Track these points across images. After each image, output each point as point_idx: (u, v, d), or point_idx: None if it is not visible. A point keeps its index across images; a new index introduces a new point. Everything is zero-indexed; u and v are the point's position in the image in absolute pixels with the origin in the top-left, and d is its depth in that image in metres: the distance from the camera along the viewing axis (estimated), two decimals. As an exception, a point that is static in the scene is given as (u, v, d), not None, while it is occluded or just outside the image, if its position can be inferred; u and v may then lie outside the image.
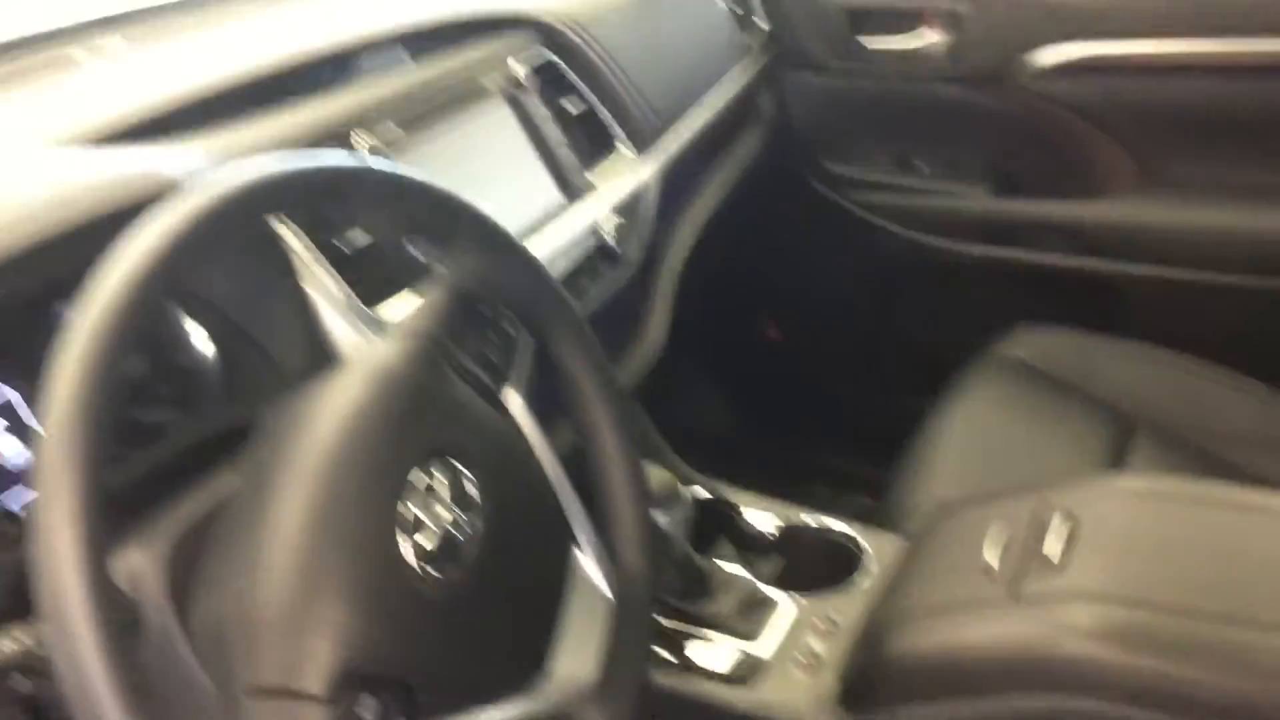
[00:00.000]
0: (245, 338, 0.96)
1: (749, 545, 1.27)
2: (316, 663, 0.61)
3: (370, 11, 1.29)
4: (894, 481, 1.43)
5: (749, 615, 1.13)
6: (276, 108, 1.07)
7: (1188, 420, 1.48)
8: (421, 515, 0.67)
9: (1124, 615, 0.89)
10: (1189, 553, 0.94)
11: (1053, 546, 0.96)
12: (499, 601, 0.71)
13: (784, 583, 1.19)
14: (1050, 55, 1.63)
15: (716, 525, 1.28)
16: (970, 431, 1.47)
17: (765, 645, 1.09)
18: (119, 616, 0.55)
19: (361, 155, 0.71)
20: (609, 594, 0.80)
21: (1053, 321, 1.64)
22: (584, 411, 0.82)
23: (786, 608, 1.14)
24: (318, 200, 0.71)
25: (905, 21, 1.72)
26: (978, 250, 1.82)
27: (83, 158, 0.87)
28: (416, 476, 0.68)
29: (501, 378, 0.77)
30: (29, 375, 0.83)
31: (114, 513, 0.65)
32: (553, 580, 0.78)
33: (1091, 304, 1.75)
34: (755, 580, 1.17)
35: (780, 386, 2.12)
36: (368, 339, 0.96)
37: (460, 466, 0.70)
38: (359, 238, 1.01)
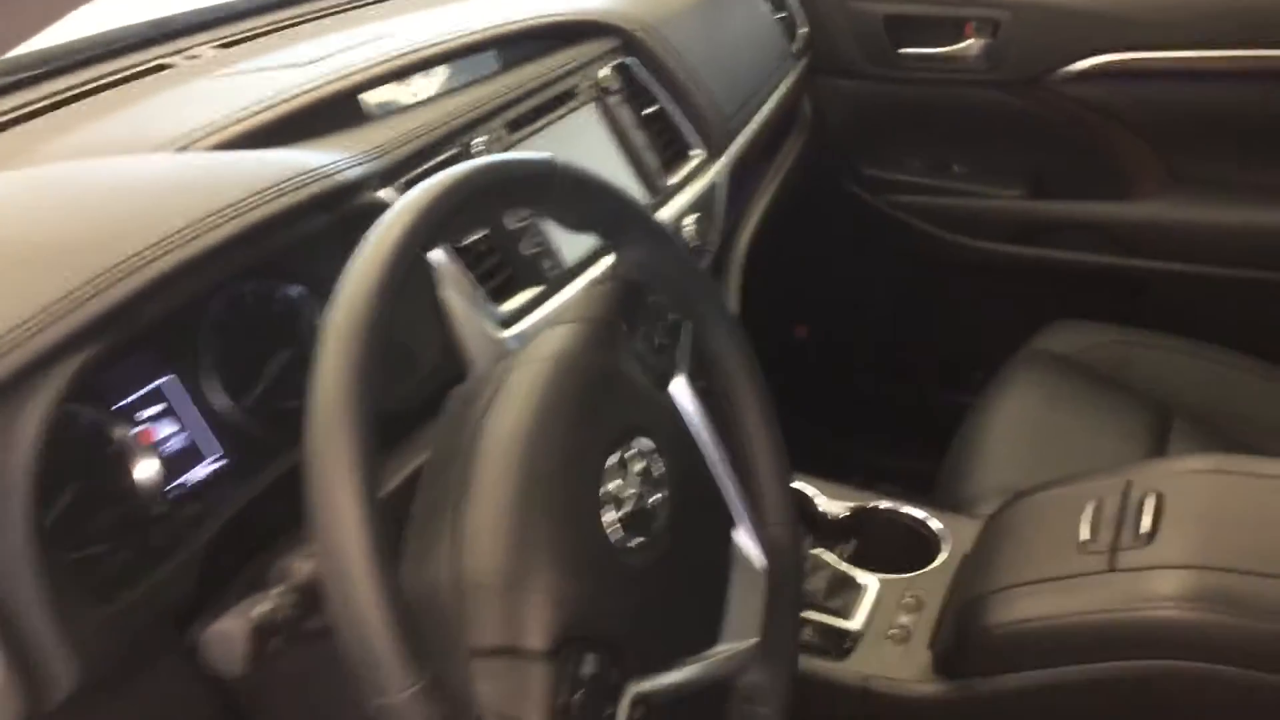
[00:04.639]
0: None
1: (823, 530, 1.32)
2: (539, 623, 0.66)
3: (454, 19, 1.34)
4: (947, 470, 1.50)
5: (837, 594, 1.18)
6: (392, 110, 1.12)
7: (1222, 408, 1.55)
8: (619, 489, 0.72)
9: (1210, 580, 0.95)
10: (1267, 522, 1.00)
11: (1143, 522, 1.02)
12: (682, 571, 0.76)
13: (860, 563, 1.24)
14: (1083, 62, 1.71)
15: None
16: (1017, 422, 1.53)
17: (856, 617, 1.15)
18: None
19: (548, 156, 0.75)
20: (762, 566, 0.86)
21: (1085, 317, 1.71)
22: (731, 394, 0.87)
23: (871, 586, 1.19)
24: (522, 192, 0.75)
25: (944, 29, 1.78)
26: (1011, 250, 1.89)
27: (239, 161, 0.91)
28: (614, 453, 0.72)
29: (670, 364, 0.83)
30: (183, 361, 0.87)
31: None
32: (720, 552, 0.83)
33: (1122, 300, 1.83)
34: (839, 561, 1.23)
35: (816, 385, 2.17)
36: (495, 335, 1.02)
37: (648, 445, 0.75)
38: (480, 238, 1.06)
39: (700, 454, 0.83)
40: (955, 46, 1.79)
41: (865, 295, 2.10)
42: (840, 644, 1.13)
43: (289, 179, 0.84)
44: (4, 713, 0.65)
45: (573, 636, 0.66)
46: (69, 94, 1.17)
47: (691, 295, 0.85)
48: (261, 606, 0.64)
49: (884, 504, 1.31)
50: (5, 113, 1.11)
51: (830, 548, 1.28)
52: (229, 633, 0.62)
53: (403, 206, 0.65)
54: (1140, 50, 1.67)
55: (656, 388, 0.81)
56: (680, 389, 0.83)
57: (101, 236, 0.74)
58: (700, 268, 0.87)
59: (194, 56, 1.28)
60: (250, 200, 0.80)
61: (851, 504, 1.32)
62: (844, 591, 1.19)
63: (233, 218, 0.78)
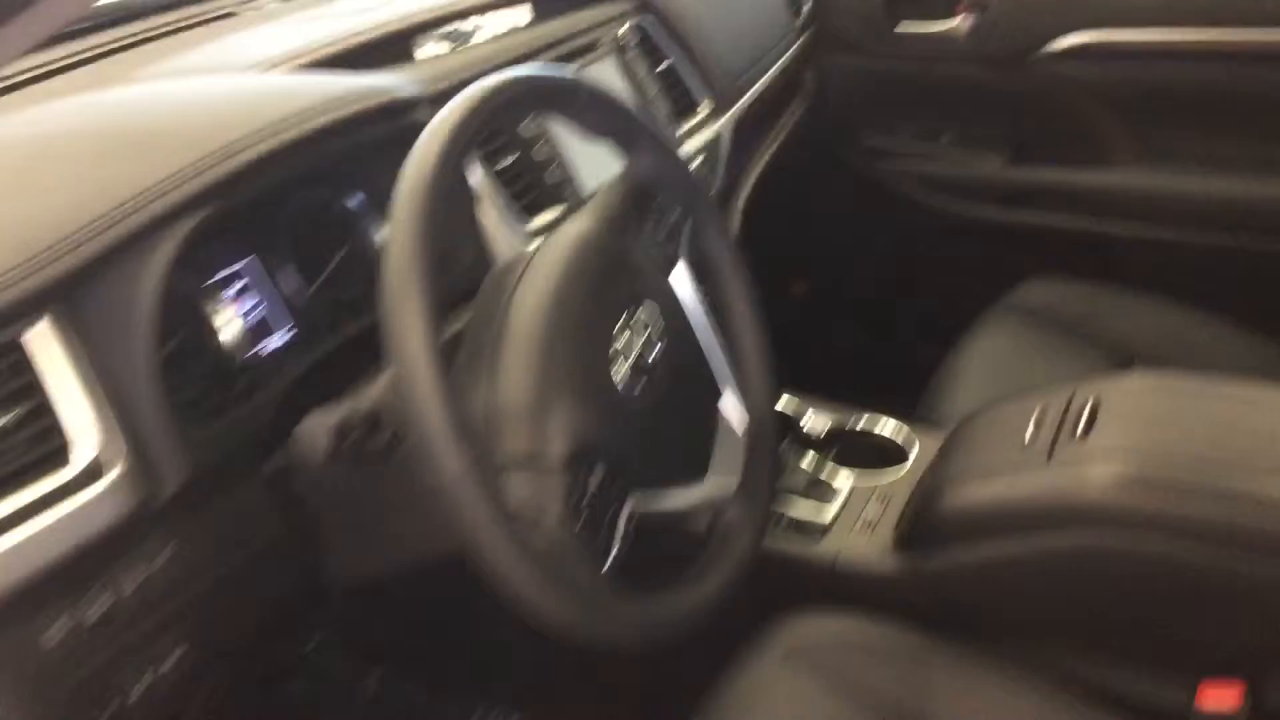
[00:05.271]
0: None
1: (805, 443, 1.48)
2: (556, 442, 0.82)
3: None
4: (922, 402, 1.65)
5: (815, 489, 1.34)
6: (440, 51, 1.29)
7: (1177, 356, 1.70)
8: (626, 344, 0.88)
9: (1137, 466, 1.10)
10: (1192, 424, 1.15)
11: (1081, 422, 1.17)
12: (675, 415, 0.93)
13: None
14: (1063, 41, 1.87)
15: (782, 427, 1.49)
16: (990, 363, 1.69)
17: (830, 510, 1.31)
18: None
19: (575, 73, 0.91)
20: (743, 426, 1.02)
21: (1058, 275, 1.87)
22: (721, 285, 1.04)
23: (845, 483, 1.35)
24: (553, 99, 0.91)
25: (937, 7, 1.94)
26: (994, 213, 2.05)
27: (317, 79, 1.08)
28: (622, 314, 0.89)
29: (672, 253, 0.99)
30: (263, 250, 1.04)
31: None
32: (708, 407, 0.99)
33: (1093, 259, 1.98)
34: (818, 465, 1.39)
35: (806, 336, 2.32)
36: (522, 244, 1.19)
37: (652, 311, 0.91)
38: (512, 163, 1.23)
39: (691, 328, 1.00)
40: (947, 24, 1.95)
41: (857, 253, 2.26)
42: (815, 531, 1.29)
43: (357, 92, 1.01)
44: (127, 497, 0.82)
45: (584, 453, 0.82)
46: (148, 34, 1.34)
47: (690, 198, 1.02)
48: (339, 413, 0.81)
49: (861, 420, 1.47)
50: (95, 48, 1.28)
51: (815, 455, 1.44)
52: (315, 428, 0.79)
53: (458, 101, 0.81)
54: (1114, 29, 1.83)
55: (660, 272, 0.97)
56: (679, 274, 0.99)
57: (207, 128, 0.91)
58: (696, 177, 1.03)
59: (257, 7, 1.45)
60: (327, 104, 0.97)
61: (831, 419, 1.48)
62: (821, 489, 1.35)
63: (312, 117, 0.95)
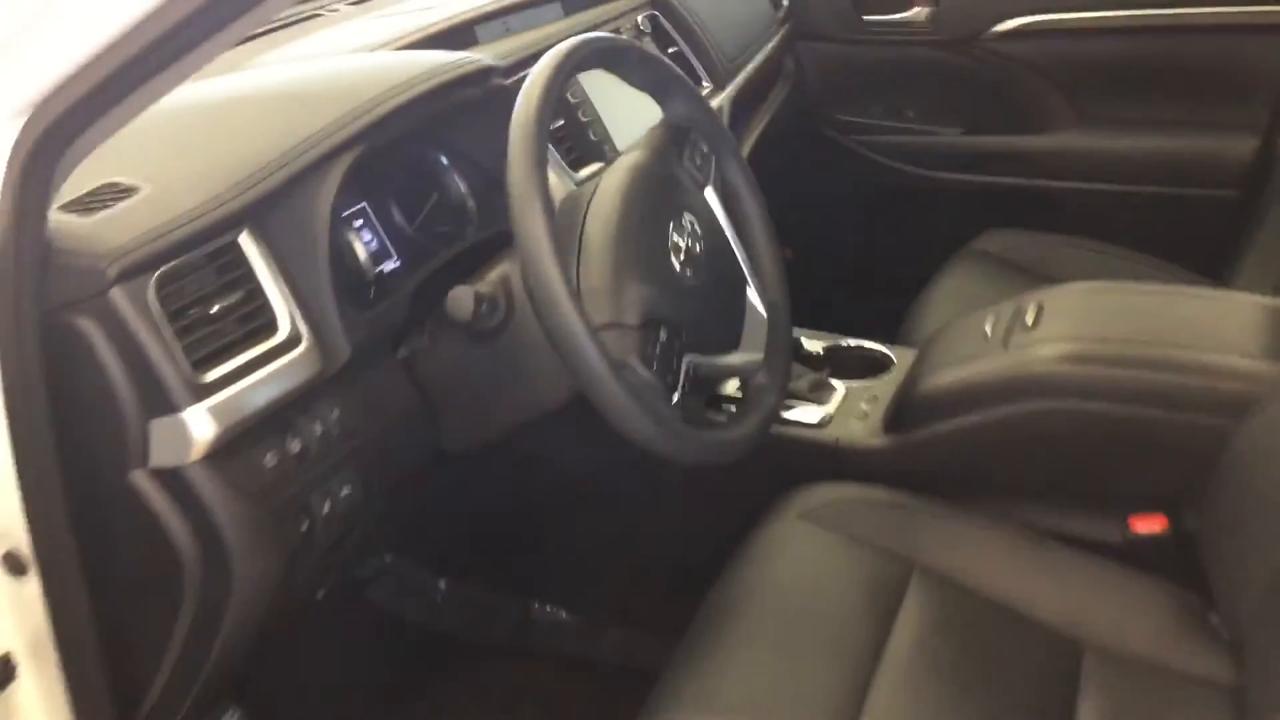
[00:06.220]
0: (493, 183, 1.45)
1: (806, 360, 1.76)
2: (632, 310, 1.09)
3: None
4: (899, 334, 1.94)
5: (816, 392, 1.62)
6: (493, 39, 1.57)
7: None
8: (678, 242, 1.16)
9: (1078, 345, 1.36)
10: (1120, 313, 1.42)
11: (1029, 318, 1.45)
12: (716, 298, 1.20)
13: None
14: (1007, 23, 2.18)
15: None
16: (954, 297, 1.98)
17: (831, 407, 1.59)
18: None
19: (630, 38, 1.19)
20: (763, 314, 1.30)
21: (1012, 226, 2.16)
22: (740, 202, 1.32)
23: (841, 388, 1.63)
24: (613, 57, 1.19)
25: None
26: (954, 176, 2.36)
27: (415, 54, 1.36)
28: (673, 220, 1.17)
29: (705, 179, 1.27)
30: (376, 194, 1.31)
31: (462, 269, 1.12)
32: (738, 294, 1.27)
33: (1040, 211, 2.29)
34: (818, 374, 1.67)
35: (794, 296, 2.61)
36: (573, 185, 1.46)
37: (693, 218, 1.19)
38: (561, 126, 1.51)
39: (723, 235, 1.28)
40: (907, 13, 2.26)
41: (836, 215, 2.56)
42: (819, 423, 1.57)
43: (455, 61, 1.28)
44: (311, 364, 1.08)
45: (652, 318, 1.10)
46: (256, 31, 1.60)
47: (716, 137, 1.30)
48: (477, 285, 1.08)
49: (851, 341, 1.76)
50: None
51: (814, 369, 1.72)
52: (462, 293, 1.06)
53: (547, 58, 1.09)
54: (1053, 13, 2.14)
55: (698, 190, 1.26)
56: (710, 195, 1.28)
57: (353, 88, 1.18)
58: (720, 120, 1.32)
59: (334, 9, 1.72)
60: (440, 68, 1.24)
61: (826, 342, 1.76)
62: (821, 393, 1.63)
63: (431, 76, 1.22)
